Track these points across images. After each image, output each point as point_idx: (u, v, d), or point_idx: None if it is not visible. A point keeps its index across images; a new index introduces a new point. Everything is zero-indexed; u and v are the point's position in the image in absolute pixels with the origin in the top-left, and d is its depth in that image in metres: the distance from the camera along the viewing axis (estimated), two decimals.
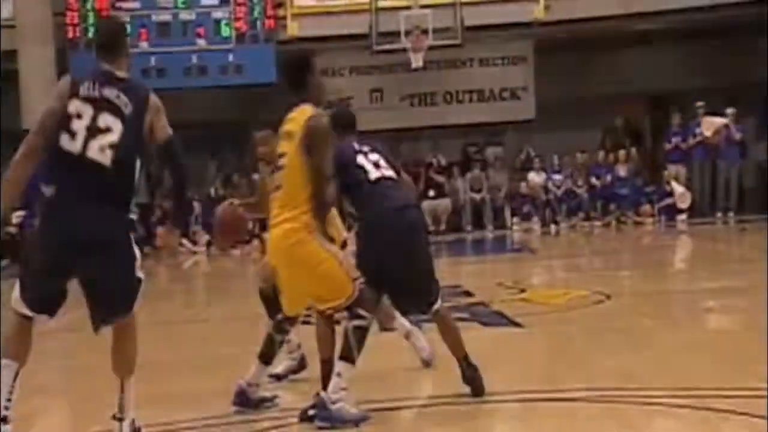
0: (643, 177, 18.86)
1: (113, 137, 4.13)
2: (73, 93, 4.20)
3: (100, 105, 4.16)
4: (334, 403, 4.48)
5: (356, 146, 4.97)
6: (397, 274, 4.77)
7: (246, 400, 4.92)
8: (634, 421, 4.37)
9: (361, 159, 4.92)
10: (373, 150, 5.01)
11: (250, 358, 5.11)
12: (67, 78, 4.34)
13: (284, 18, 18.52)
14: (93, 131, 4.13)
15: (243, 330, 7.88)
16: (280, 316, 4.96)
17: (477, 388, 4.86)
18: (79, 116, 4.14)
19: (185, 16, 18.42)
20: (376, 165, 4.93)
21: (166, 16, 18.37)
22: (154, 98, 4.29)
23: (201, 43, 18.38)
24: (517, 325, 7.29)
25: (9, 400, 4.21)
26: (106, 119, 4.15)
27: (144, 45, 18.24)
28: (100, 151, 4.11)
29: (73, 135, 4.13)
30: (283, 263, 4.69)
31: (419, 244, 4.93)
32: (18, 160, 4.24)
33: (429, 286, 4.92)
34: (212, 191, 19.13)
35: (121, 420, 4.30)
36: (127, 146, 4.15)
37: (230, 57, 18.36)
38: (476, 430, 4.50)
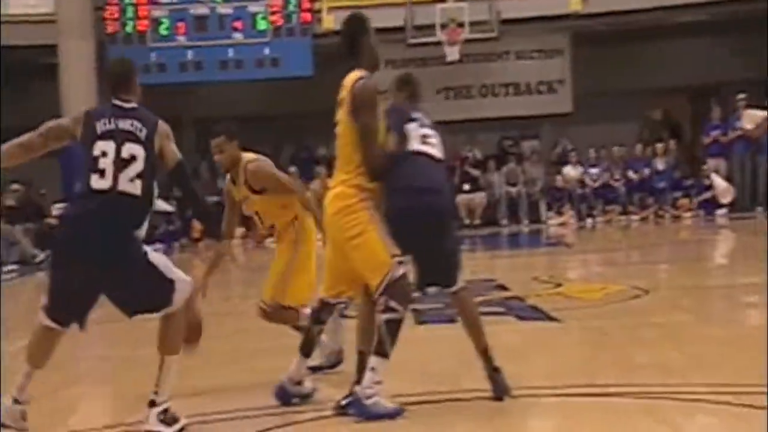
0: (682, 170, 18.66)
1: (139, 165, 4.32)
2: (92, 132, 4.37)
3: (120, 137, 4.35)
4: (369, 397, 4.46)
5: (411, 113, 4.81)
6: (417, 252, 4.67)
7: (286, 396, 4.87)
8: (672, 416, 4.33)
9: (409, 126, 4.76)
10: (429, 125, 4.85)
11: (286, 351, 5.12)
12: (84, 111, 4.54)
13: (320, 11, 18.56)
14: (119, 164, 4.31)
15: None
16: (316, 306, 4.94)
17: (496, 389, 4.72)
18: (104, 154, 4.32)
19: (222, 9, 18.54)
20: (422, 138, 4.77)
21: (203, 10, 18.50)
22: (162, 124, 4.46)
23: (238, 36, 18.48)
24: (553, 319, 7.25)
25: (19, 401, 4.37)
26: (129, 149, 4.33)
27: (181, 39, 18.39)
28: (130, 182, 4.30)
29: (102, 173, 4.31)
30: (328, 232, 4.70)
31: (439, 229, 4.75)
32: (15, 148, 4.46)
33: (449, 265, 4.78)
34: None
35: (153, 405, 4.39)
36: (150, 170, 4.35)
37: (267, 50, 18.45)
38: (511, 425, 4.48)
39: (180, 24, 18.43)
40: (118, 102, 4.49)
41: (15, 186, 16.27)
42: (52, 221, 15.42)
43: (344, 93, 4.64)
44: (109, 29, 18.29)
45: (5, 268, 14.43)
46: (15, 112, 19.30)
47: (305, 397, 4.91)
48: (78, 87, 16.99)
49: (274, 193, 5.53)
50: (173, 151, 4.43)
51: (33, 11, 18.18)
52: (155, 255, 4.43)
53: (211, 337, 5.58)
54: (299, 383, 4.89)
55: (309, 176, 19.03)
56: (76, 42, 17.67)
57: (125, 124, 4.38)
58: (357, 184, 4.59)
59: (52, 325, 4.38)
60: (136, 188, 4.31)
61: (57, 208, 15.46)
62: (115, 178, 4.29)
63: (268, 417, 4.71)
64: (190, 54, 18.39)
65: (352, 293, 4.83)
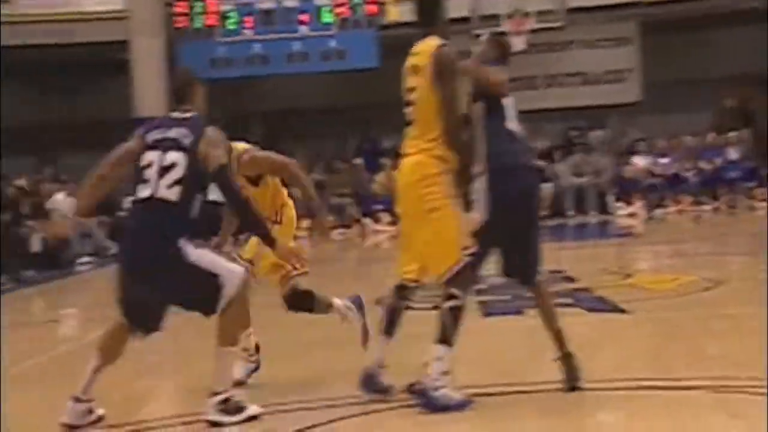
0: (756, 160, 18.22)
1: (178, 172, 4.44)
2: (144, 144, 4.56)
3: (166, 145, 4.50)
4: (436, 389, 4.42)
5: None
6: (511, 234, 4.63)
7: (374, 385, 4.70)
8: (745, 410, 4.23)
9: (506, 101, 4.70)
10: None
11: (341, 342, 5.09)
12: (141, 129, 4.69)
13: (385, 3, 18.56)
14: (162, 172, 4.45)
15: None
16: (395, 287, 4.74)
17: (567, 378, 4.66)
18: (150, 165, 4.49)
19: (288, 3, 18.66)
20: (515, 116, 4.73)
21: (269, 4, 18.65)
22: (210, 131, 4.56)
23: (304, 29, 18.59)
24: (622, 311, 7.16)
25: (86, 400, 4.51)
26: (171, 156, 4.47)
27: (248, 33, 18.57)
28: (168, 188, 4.42)
29: (146, 182, 4.47)
30: (402, 201, 4.58)
31: (533, 213, 4.75)
32: (92, 182, 4.66)
33: (534, 258, 4.77)
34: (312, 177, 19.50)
35: (214, 394, 4.46)
36: (191, 176, 4.45)
37: (332, 43, 18.52)
38: (579, 418, 4.42)
39: (247, 18, 18.62)
40: (174, 113, 4.66)
41: None
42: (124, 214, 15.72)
43: (421, 60, 4.54)
44: (178, 25, 18.55)
45: (79, 260, 14.78)
46: (88, 109, 19.79)
47: (383, 392, 4.72)
48: (149, 83, 17.29)
49: (270, 188, 5.48)
50: (216, 157, 4.49)
51: (104, 8, 18.53)
52: (199, 252, 4.47)
53: (278, 329, 5.65)
54: (383, 367, 4.70)
55: (374, 168, 19.09)
56: (147, 39, 17.98)
57: (173, 133, 4.52)
58: (439, 155, 4.48)
59: (121, 323, 4.55)
60: (173, 194, 4.42)
61: (129, 201, 15.75)
62: (156, 186, 4.44)
63: (330, 408, 4.70)
64: (256, 48, 18.57)
65: (421, 275, 4.65)
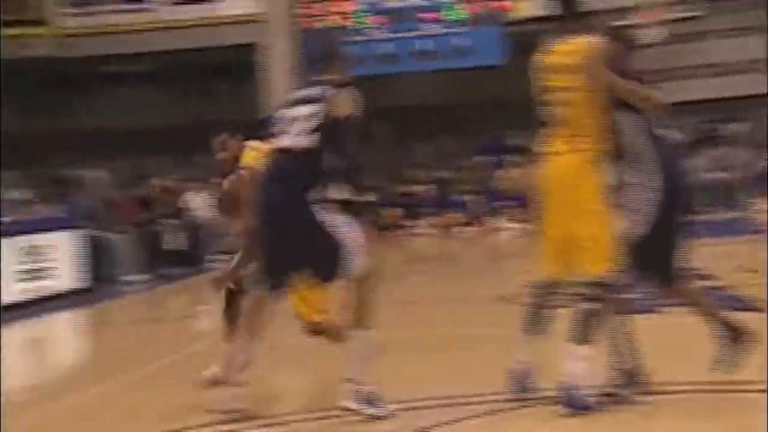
0: None
1: (308, 122, 4.58)
2: (284, 106, 4.76)
3: (300, 102, 4.68)
4: (579, 388, 4.34)
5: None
6: (661, 235, 4.58)
7: (524, 384, 4.60)
8: None
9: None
10: None
11: (490, 339, 5.04)
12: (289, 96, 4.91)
13: None
14: (292, 123, 4.63)
15: (477, 311, 7.95)
16: (541, 281, 4.65)
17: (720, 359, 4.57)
18: (283, 119, 4.68)
19: (416, 1, 18.76)
20: (659, 122, 4.66)
21: (397, 3, 18.79)
22: (344, 89, 4.65)
23: (431, 27, 18.64)
24: (760, 310, 6.88)
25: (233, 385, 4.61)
26: (302, 109, 4.63)
27: (376, 32, 18.77)
28: (297, 138, 4.58)
29: (278, 135, 4.67)
30: (555, 199, 4.51)
31: (683, 213, 4.70)
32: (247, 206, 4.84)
33: (678, 254, 4.69)
34: (431, 174, 19.73)
35: (351, 383, 4.53)
36: (319, 126, 4.56)
37: (460, 40, 18.51)
38: (717, 421, 4.28)
39: (375, 17, 18.82)
40: (314, 77, 4.81)
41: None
42: None
43: (574, 58, 4.46)
44: (308, 25, 18.92)
45: (209, 257, 15.23)
46: (223, 110, 20.44)
47: (532, 392, 4.62)
48: (280, 83, 17.72)
49: None
50: (343, 109, 4.59)
51: (237, 12, 19.09)
52: (331, 216, 4.53)
53: (408, 325, 5.67)
54: (533, 366, 4.61)
55: (499, 165, 19.01)
56: (277, 40, 18.44)
57: (307, 91, 4.71)
58: (595, 154, 4.43)
59: (259, 293, 4.64)
60: (302, 143, 4.55)
61: None
62: (286, 137, 4.61)
63: (463, 406, 4.68)
64: (385, 46, 18.74)
65: (568, 272, 4.58)
